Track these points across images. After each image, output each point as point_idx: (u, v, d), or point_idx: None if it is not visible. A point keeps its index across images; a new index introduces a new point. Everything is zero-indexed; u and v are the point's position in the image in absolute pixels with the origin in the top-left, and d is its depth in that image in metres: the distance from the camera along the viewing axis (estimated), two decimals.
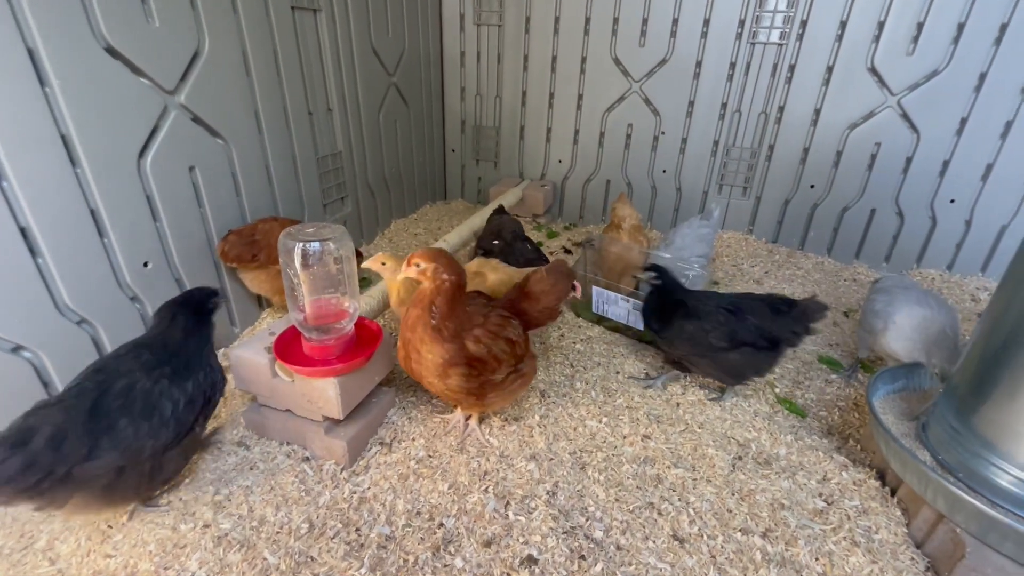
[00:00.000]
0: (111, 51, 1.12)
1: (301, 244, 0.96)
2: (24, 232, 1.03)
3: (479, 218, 2.06)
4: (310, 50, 1.71)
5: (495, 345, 1.05)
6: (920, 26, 1.92)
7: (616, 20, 2.25)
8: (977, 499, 0.89)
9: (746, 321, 1.24)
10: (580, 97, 2.45)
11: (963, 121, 1.99)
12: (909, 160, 2.11)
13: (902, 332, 1.30)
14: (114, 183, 1.17)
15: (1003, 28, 1.84)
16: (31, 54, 0.99)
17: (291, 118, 1.67)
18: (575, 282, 1.23)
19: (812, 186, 2.27)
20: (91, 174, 1.12)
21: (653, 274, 1.33)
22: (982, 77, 1.92)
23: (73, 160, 1.09)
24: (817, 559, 0.95)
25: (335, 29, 1.80)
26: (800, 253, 2.37)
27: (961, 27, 1.88)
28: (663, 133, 2.38)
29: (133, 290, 1.25)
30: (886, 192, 2.18)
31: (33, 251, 1.05)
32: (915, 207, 2.15)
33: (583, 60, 2.37)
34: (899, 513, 1.04)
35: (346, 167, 2.00)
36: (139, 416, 0.87)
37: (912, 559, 0.96)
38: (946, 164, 2.07)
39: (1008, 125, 1.95)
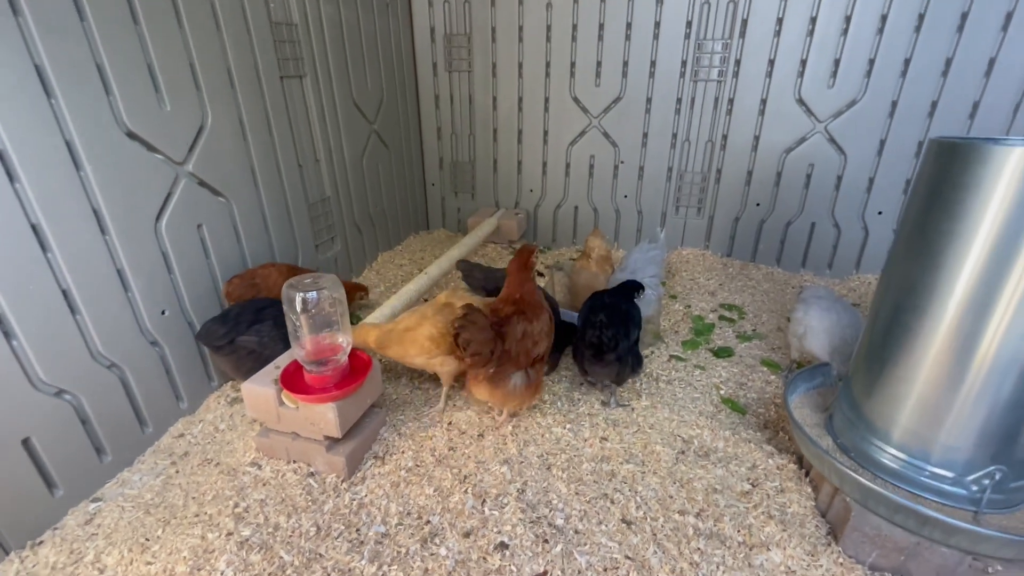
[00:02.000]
0: (131, 135, 1.33)
1: (302, 294, 1.16)
2: (65, 293, 1.22)
3: (457, 251, 2.28)
4: (298, 111, 1.93)
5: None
6: (837, 62, 2.18)
7: (573, 64, 2.50)
8: (860, 474, 1.10)
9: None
10: (546, 133, 2.68)
11: (882, 142, 2.25)
12: (840, 178, 2.36)
13: (816, 336, 1.52)
14: (136, 245, 1.36)
15: (907, 62, 2.10)
16: (69, 146, 1.20)
17: (283, 171, 1.88)
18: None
19: (758, 204, 2.52)
20: (117, 240, 1.31)
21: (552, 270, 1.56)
22: (894, 104, 2.18)
23: (103, 229, 1.29)
24: (739, 531, 1.15)
25: (319, 90, 2.02)
26: (752, 265, 2.60)
27: (872, 62, 2.14)
28: (622, 162, 2.62)
29: (153, 335, 1.44)
30: (823, 207, 2.43)
31: (72, 309, 1.24)
32: (849, 219, 2.40)
33: (546, 100, 2.61)
34: (809, 490, 1.25)
35: (334, 210, 2.21)
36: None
37: (816, 526, 1.16)
38: (871, 180, 2.32)
39: (919, 144, 2.20)
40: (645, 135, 2.54)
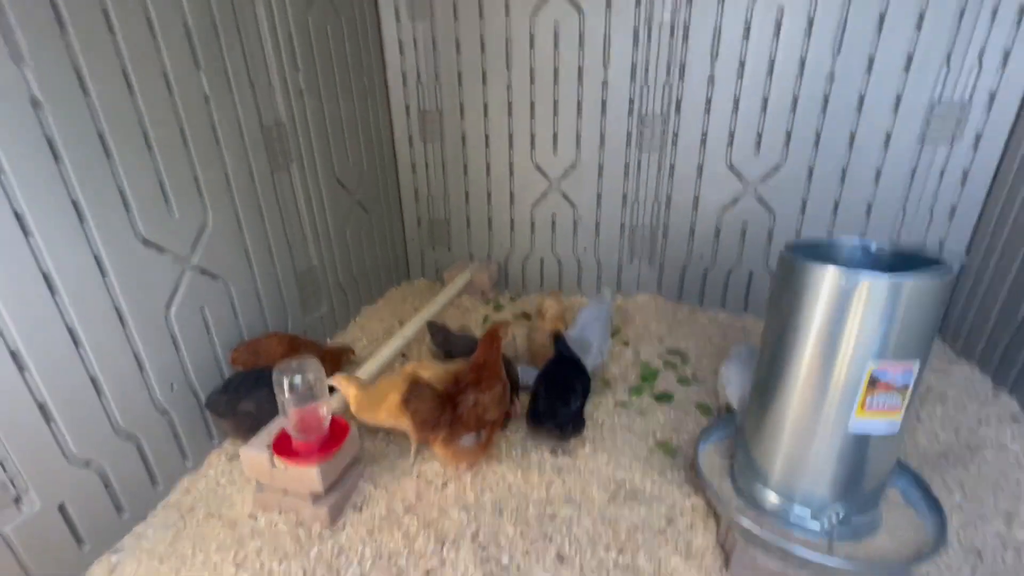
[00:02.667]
0: (146, 242, 1.60)
1: (288, 377, 1.42)
2: (93, 380, 1.47)
3: (434, 307, 2.55)
4: (286, 197, 2.21)
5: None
6: (760, 135, 2.50)
7: (533, 136, 2.81)
8: (744, 513, 1.36)
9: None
10: (512, 195, 2.98)
11: (804, 202, 2.56)
12: (771, 232, 2.66)
13: (731, 387, 1.79)
14: (150, 332, 1.62)
15: (818, 135, 2.42)
16: (96, 259, 1.46)
17: (274, 251, 2.15)
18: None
19: (701, 256, 2.81)
20: (135, 330, 1.57)
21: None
22: (810, 170, 2.50)
23: (123, 322, 1.55)
24: (651, 563, 1.40)
25: (305, 175, 2.30)
26: (700, 309, 2.89)
27: (789, 134, 2.46)
28: (580, 219, 2.92)
29: (164, 406, 1.69)
30: (758, 258, 2.72)
31: (98, 391, 1.49)
32: None
33: (511, 165, 2.91)
34: (713, 524, 1.51)
35: (319, 276, 2.48)
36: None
37: (714, 557, 1.42)
38: (798, 233, 2.63)
39: (836, 204, 2.51)
40: (599, 195, 2.85)
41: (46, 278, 1.34)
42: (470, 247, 3.21)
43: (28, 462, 1.32)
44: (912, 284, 1.08)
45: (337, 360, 2.14)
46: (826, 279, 1.15)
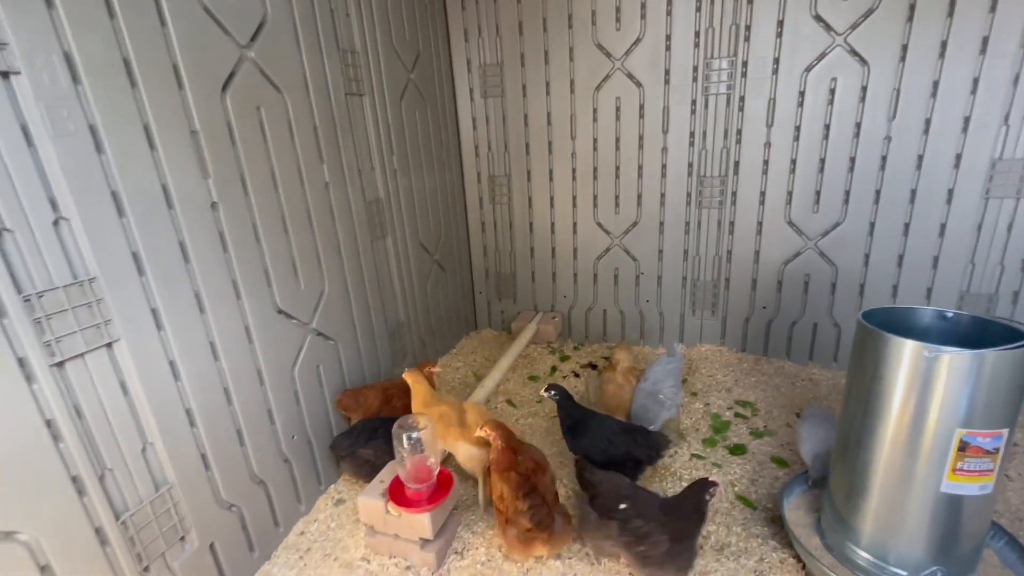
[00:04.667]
0: (280, 312, 1.86)
1: (406, 433, 1.61)
2: (238, 433, 1.70)
3: (507, 360, 2.73)
4: (381, 262, 2.47)
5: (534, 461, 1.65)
6: (818, 193, 2.61)
7: (595, 196, 3.02)
8: (837, 572, 1.41)
9: (618, 445, 1.84)
10: (575, 250, 3.18)
11: (866, 256, 2.63)
12: (834, 285, 2.73)
13: (805, 445, 1.85)
14: (280, 391, 1.86)
15: (877, 193, 2.51)
16: (246, 329, 1.72)
17: (371, 311, 2.40)
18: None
19: (764, 307, 2.89)
20: (269, 387, 1.81)
21: (553, 391, 1.94)
22: (871, 225, 2.57)
23: (261, 382, 1.79)
24: None
25: (396, 242, 2.58)
26: (764, 359, 2.94)
27: (847, 193, 2.56)
28: (642, 273, 3.07)
29: (287, 455, 1.91)
30: (822, 309, 2.78)
31: (241, 443, 1.72)
32: (847, 319, 2.74)
33: (574, 224, 3.12)
34: None
35: (406, 331, 2.71)
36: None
37: None
38: (862, 287, 2.68)
39: (900, 257, 2.57)
40: (660, 251, 3.00)
41: (212, 347, 1.60)
42: (535, 299, 3.41)
43: (192, 505, 1.54)
44: (995, 357, 1.16)
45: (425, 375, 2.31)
46: (907, 352, 1.25)
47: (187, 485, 1.52)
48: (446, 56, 3.00)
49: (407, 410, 2.23)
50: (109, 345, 1.32)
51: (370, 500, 1.72)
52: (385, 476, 1.81)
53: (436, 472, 1.70)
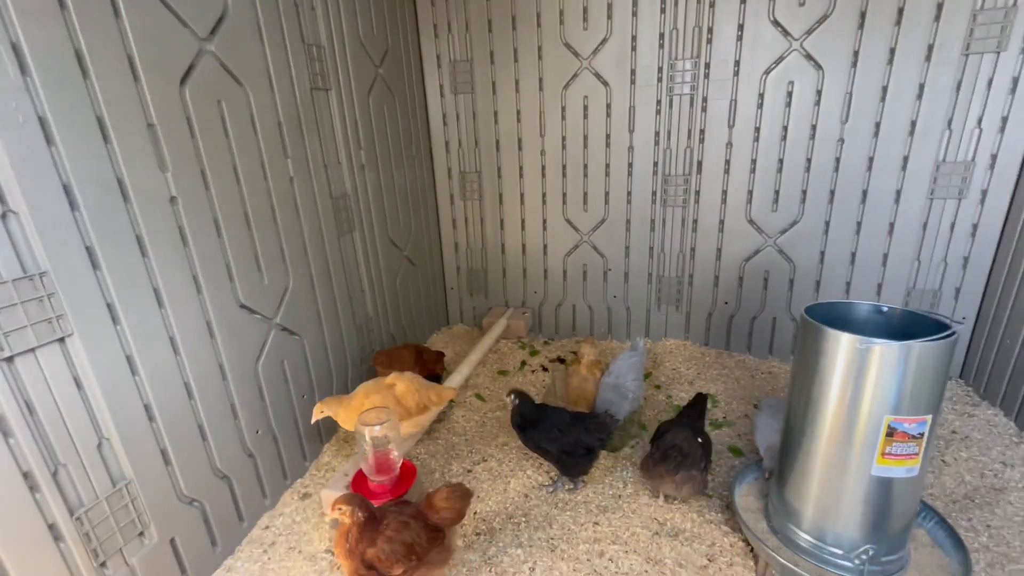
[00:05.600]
0: (243, 306, 1.85)
1: (368, 427, 1.63)
2: (200, 428, 1.70)
3: (476, 354, 2.77)
4: (348, 257, 2.47)
5: (389, 547, 1.39)
6: (777, 192, 2.71)
7: (564, 194, 3.07)
8: (780, 553, 1.49)
9: (568, 434, 1.91)
10: (545, 246, 3.22)
11: (822, 254, 2.74)
12: (792, 281, 2.83)
13: (759, 434, 1.93)
14: (243, 385, 1.86)
15: (831, 193, 2.62)
16: (208, 324, 1.71)
17: (339, 306, 2.40)
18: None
19: (726, 302, 2.99)
20: (232, 382, 1.81)
21: (514, 396, 2.00)
22: (827, 224, 2.68)
23: (223, 376, 1.78)
24: None
25: (364, 236, 2.58)
26: (726, 353, 3.04)
27: (804, 192, 2.67)
28: (610, 270, 3.13)
29: (251, 449, 1.91)
30: (781, 305, 2.89)
31: (203, 437, 1.72)
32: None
33: (544, 221, 3.17)
34: (752, 563, 1.63)
35: (375, 326, 2.72)
36: None
37: None
38: (818, 283, 2.79)
39: (852, 255, 2.68)
40: (627, 247, 3.06)
41: (172, 342, 1.59)
42: (506, 295, 3.44)
43: (151, 500, 1.53)
44: (920, 348, 1.25)
45: (438, 364, 2.69)
46: (843, 344, 1.33)
47: (146, 480, 1.52)
48: (416, 52, 3.00)
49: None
50: (62, 340, 1.30)
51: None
52: (348, 469, 1.83)
53: (399, 464, 1.72)
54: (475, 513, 1.91)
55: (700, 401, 2.15)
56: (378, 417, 1.66)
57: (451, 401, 2.46)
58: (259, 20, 1.86)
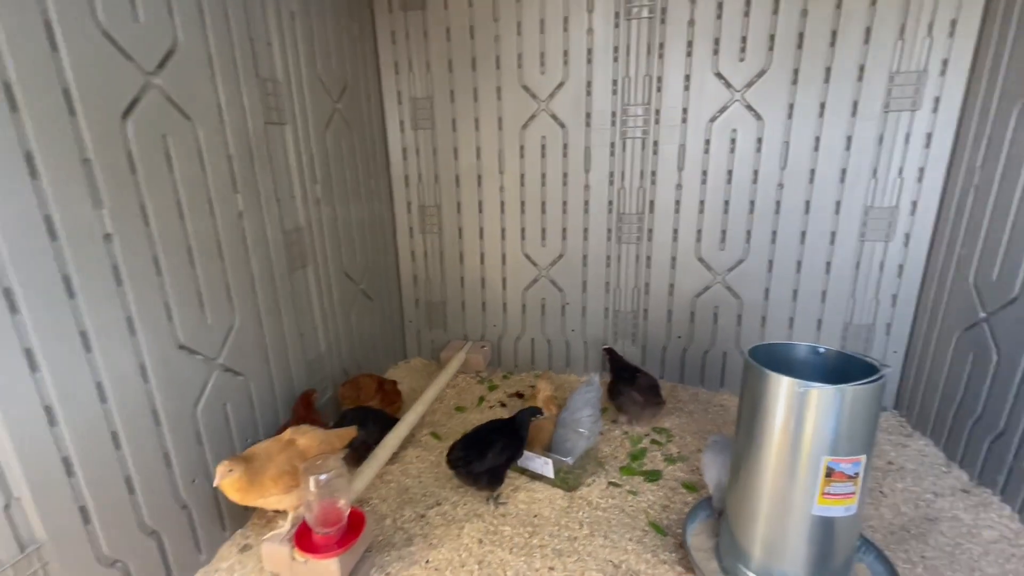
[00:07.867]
0: (181, 347, 1.76)
1: (314, 476, 1.55)
2: (127, 480, 1.58)
3: (432, 391, 2.72)
4: (300, 293, 2.41)
5: None
6: (724, 232, 2.84)
7: (523, 229, 3.11)
8: None
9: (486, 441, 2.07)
10: (504, 280, 3.24)
11: (766, 290, 2.87)
12: (740, 316, 2.95)
13: (707, 472, 1.97)
14: (179, 432, 1.74)
15: (774, 234, 2.77)
16: (141, 367, 1.61)
17: (288, 344, 2.31)
18: None
19: (679, 336, 3.07)
20: (167, 429, 1.69)
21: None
22: (770, 263, 2.82)
23: (157, 422, 1.67)
24: None
25: (318, 271, 2.52)
26: (680, 386, 3.10)
27: (749, 232, 2.81)
28: (568, 304, 3.18)
29: (185, 500, 1.78)
30: (730, 339, 2.99)
31: (131, 490, 1.59)
32: None
33: (503, 255, 3.19)
34: None
35: (326, 362, 2.63)
36: None
37: None
38: (764, 318, 2.92)
39: (794, 292, 2.83)
40: (584, 282, 3.12)
41: (99, 388, 1.48)
42: (465, 328, 3.42)
43: (66, 564, 1.40)
44: (852, 391, 1.31)
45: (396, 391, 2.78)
46: (783, 387, 1.38)
47: (61, 542, 1.39)
48: (376, 88, 3.02)
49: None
50: None
51: (275, 547, 1.64)
52: (294, 521, 1.73)
53: (346, 511, 1.65)
54: (427, 561, 1.84)
55: (613, 354, 2.85)
56: (325, 464, 1.59)
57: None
58: (211, 55, 1.83)
